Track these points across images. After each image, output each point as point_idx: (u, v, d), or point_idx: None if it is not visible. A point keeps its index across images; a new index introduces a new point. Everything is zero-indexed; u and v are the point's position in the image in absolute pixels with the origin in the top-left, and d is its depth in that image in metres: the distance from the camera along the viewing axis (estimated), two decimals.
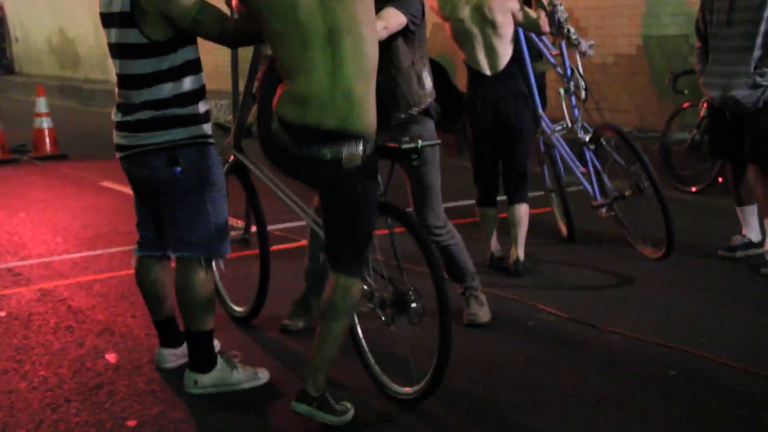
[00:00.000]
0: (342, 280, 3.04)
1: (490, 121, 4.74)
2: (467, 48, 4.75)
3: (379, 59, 3.05)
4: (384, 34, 3.62)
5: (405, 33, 3.80)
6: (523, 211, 4.88)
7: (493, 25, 4.65)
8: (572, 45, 5.02)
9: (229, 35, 3.21)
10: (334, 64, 2.89)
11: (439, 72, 4.49)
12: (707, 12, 4.80)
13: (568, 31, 4.93)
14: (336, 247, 3.08)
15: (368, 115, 2.96)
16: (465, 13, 4.70)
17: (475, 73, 4.77)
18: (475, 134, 4.83)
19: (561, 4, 4.87)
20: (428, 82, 3.92)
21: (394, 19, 3.70)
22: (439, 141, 3.74)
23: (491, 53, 4.71)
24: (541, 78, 5.56)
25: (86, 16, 17.70)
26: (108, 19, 3.26)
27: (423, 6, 3.91)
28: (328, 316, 3.02)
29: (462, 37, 4.75)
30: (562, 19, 4.88)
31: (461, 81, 4.86)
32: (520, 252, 4.86)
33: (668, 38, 8.04)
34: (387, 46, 3.68)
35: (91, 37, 18.02)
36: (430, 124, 3.96)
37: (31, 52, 21.94)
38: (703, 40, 4.88)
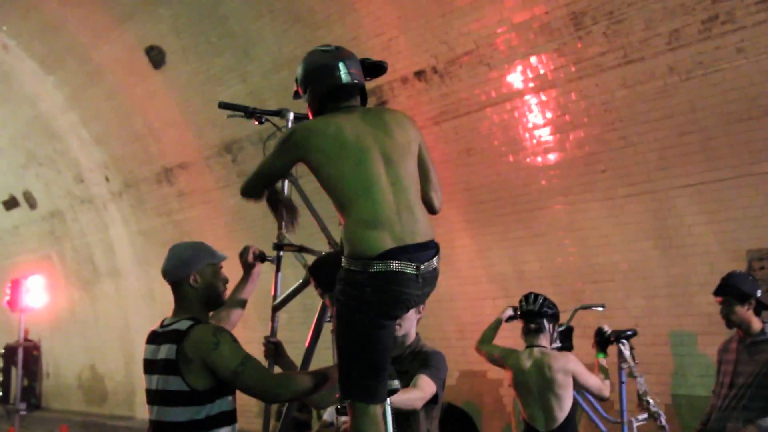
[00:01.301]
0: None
1: None
2: (524, 402, 4.77)
3: (397, 426, 3.09)
4: (419, 405, 3.65)
5: (429, 401, 3.82)
6: None
7: (551, 383, 4.68)
8: (651, 417, 5.01)
9: (268, 391, 3.27)
10: (392, 183, 3.10)
11: (465, 419, 4.49)
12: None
13: (648, 403, 4.95)
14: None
15: (431, 228, 3.19)
16: (526, 366, 4.76)
17: (528, 428, 4.74)
18: None
19: (642, 377, 4.93)
20: None
21: (429, 388, 3.75)
22: None
23: (547, 411, 4.70)
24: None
25: (118, 353, 18.06)
26: (151, 366, 3.34)
27: (446, 374, 3.96)
28: None
29: (520, 389, 4.78)
30: (640, 392, 4.93)
31: (486, 427, 4.83)
32: None
33: (696, 398, 7.99)
34: (404, 414, 3.69)
35: (121, 374, 18.23)
36: None
37: (60, 387, 22.09)
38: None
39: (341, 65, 3.37)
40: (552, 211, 8.96)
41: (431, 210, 3.41)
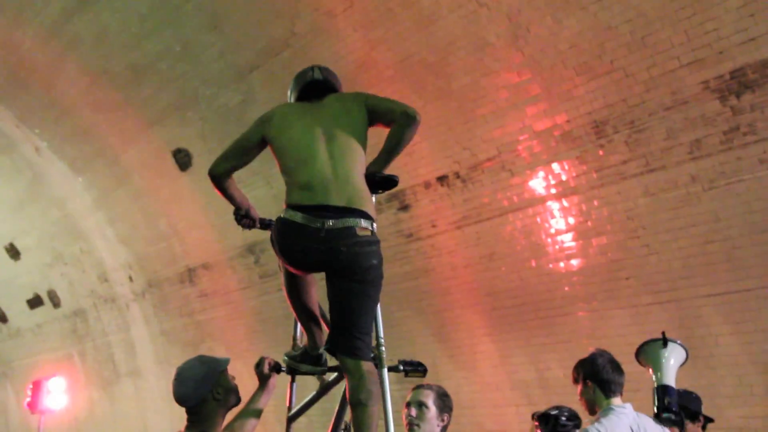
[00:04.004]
0: (353, 364, 3.18)
1: None
2: None
3: None
4: None
5: None
6: None
7: None
8: None
9: None
10: (331, 157, 3.34)
11: None
12: None
13: None
14: (344, 331, 3.24)
15: (369, 201, 3.36)
16: None
17: None
18: None
19: None
20: None
21: None
22: None
23: None
24: None
25: None
26: None
27: None
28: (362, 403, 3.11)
29: None
30: None
31: None
32: None
33: None
34: None
35: None
36: None
37: None
38: None
39: (315, 68, 3.79)
40: (575, 317, 8.87)
41: (410, 119, 3.53)
